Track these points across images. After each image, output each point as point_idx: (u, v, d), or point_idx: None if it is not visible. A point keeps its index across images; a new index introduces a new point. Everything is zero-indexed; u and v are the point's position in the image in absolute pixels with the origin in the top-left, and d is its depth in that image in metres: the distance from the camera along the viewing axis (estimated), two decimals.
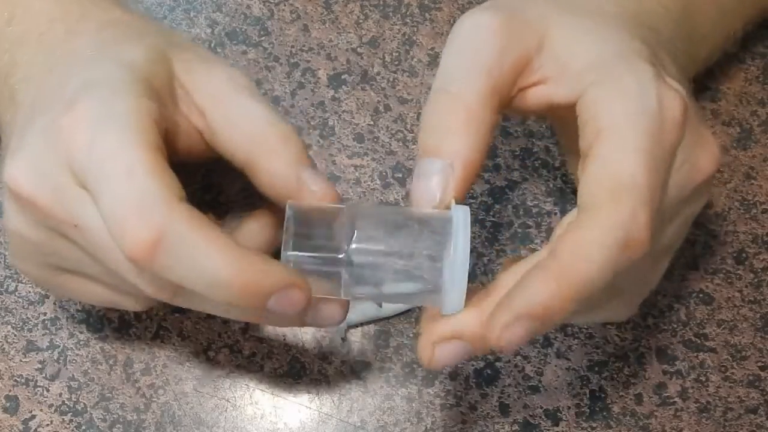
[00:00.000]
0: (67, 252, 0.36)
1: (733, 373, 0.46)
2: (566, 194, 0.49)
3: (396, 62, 0.51)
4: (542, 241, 0.48)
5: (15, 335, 0.45)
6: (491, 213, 0.49)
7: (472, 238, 0.48)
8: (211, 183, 0.48)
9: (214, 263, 0.31)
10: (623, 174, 0.32)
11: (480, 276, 0.47)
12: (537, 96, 0.36)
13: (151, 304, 0.39)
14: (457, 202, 0.33)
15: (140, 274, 0.34)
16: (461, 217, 0.32)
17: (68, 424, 0.44)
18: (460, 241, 0.32)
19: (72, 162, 0.33)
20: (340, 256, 0.33)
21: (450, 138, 0.34)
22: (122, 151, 0.32)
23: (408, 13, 0.53)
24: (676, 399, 0.46)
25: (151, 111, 0.34)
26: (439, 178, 0.33)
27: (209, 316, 0.46)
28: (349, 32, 0.52)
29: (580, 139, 0.34)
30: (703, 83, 0.51)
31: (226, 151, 0.37)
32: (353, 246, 0.33)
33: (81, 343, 0.45)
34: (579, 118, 0.34)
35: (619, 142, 0.33)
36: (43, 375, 0.45)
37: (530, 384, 0.45)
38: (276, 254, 0.34)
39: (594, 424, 0.45)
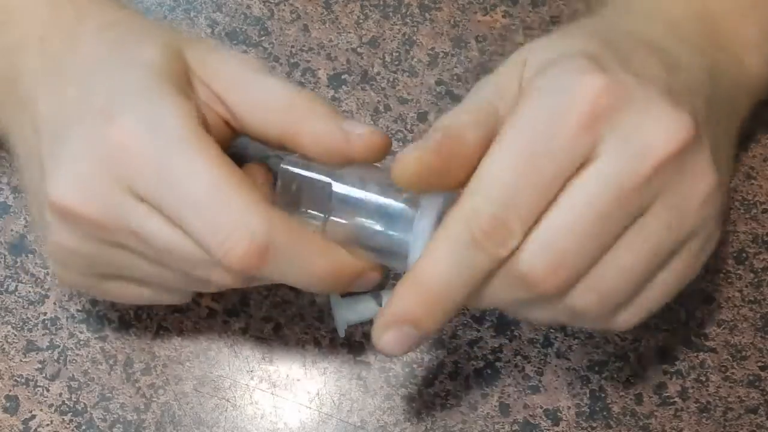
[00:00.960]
0: (119, 259, 0.36)
1: (733, 373, 0.46)
2: None
3: (396, 62, 0.51)
4: None
5: (15, 335, 0.45)
6: None
7: None
8: None
9: (314, 263, 0.34)
10: (481, 171, 0.32)
11: None
12: None
13: (192, 296, 0.41)
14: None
15: (226, 275, 0.34)
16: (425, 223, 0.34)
17: (68, 424, 0.44)
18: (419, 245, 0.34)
19: (135, 180, 0.33)
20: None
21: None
22: (196, 167, 0.32)
23: (408, 13, 0.53)
24: (676, 399, 0.46)
25: (193, 111, 0.34)
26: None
27: (209, 316, 0.46)
28: (349, 32, 0.52)
29: None
30: None
31: (257, 131, 0.37)
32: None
33: (81, 343, 0.45)
34: None
35: (498, 141, 0.32)
36: (43, 375, 0.45)
37: (530, 384, 0.46)
38: None
39: (594, 424, 0.45)
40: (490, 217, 0.31)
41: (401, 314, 0.33)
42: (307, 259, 0.34)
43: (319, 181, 0.36)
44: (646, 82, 0.32)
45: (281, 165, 0.37)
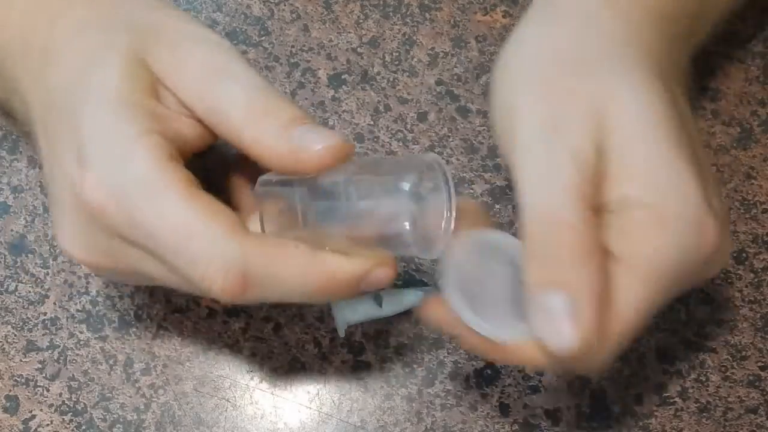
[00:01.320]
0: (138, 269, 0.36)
1: (733, 373, 0.46)
2: None
3: (396, 62, 0.51)
4: None
5: (15, 335, 0.45)
6: (491, 213, 0.49)
7: None
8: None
9: (300, 278, 0.33)
10: (620, 303, 0.33)
11: None
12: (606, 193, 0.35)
13: None
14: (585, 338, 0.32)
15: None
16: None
17: (68, 424, 0.44)
18: None
19: (117, 229, 0.33)
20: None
21: (563, 270, 0.32)
22: (167, 207, 0.33)
23: (408, 13, 0.52)
24: (676, 399, 0.46)
25: (162, 145, 0.34)
26: (565, 315, 0.32)
27: (209, 316, 0.46)
28: (349, 32, 0.52)
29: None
30: (703, 83, 0.51)
31: (225, 140, 0.37)
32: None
33: (81, 343, 0.45)
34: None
35: (636, 274, 0.33)
36: (43, 375, 0.45)
37: (530, 384, 0.46)
38: None
39: (594, 424, 0.45)
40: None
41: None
42: (292, 275, 0.33)
43: (292, 191, 0.35)
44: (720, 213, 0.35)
45: (256, 189, 0.36)
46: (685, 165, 0.34)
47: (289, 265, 0.33)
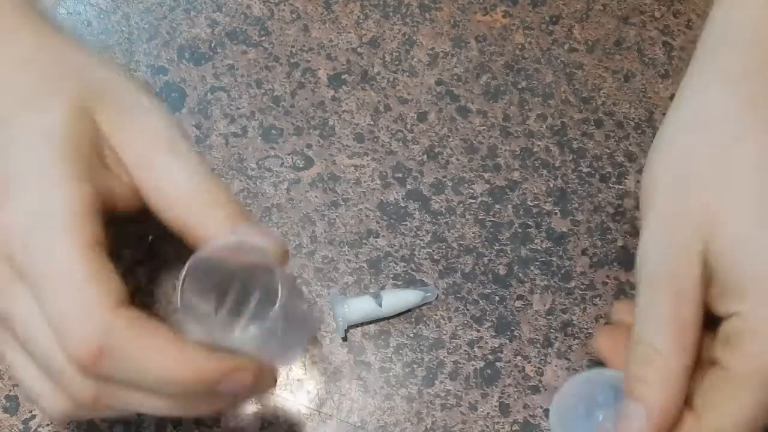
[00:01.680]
0: None
1: None
2: (566, 194, 0.49)
3: (396, 62, 0.51)
4: (542, 241, 0.48)
5: None
6: (491, 213, 0.49)
7: (473, 238, 0.48)
8: None
9: (157, 364, 0.33)
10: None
11: (479, 276, 0.47)
12: (720, 309, 0.36)
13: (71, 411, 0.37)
14: None
15: (76, 376, 0.34)
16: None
17: (68, 424, 0.44)
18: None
19: (11, 258, 0.33)
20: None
21: (648, 389, 0.36)
22: (59, 255, 0.33)
23: (408, 13, 0.52)
24: None
25: (85, 195, 0.34)
26: (638, 423, 0.36)
27: None
28: (349, 32, 0.52)
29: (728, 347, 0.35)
30: None
31: (160, 216, 0.38)
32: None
33: None
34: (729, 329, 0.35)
35: (734, 402, 0.34)
36: None
37: (530, 384, 0.46)
38: None
39: None
40: None
41: None
42: (150, 361, 0.33)
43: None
44: None
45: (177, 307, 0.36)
46: None
47: (150, 349, 0.33)
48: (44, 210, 0.33)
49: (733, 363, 0.34)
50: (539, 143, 0.50)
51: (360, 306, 0.45)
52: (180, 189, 0.37)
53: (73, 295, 0.33)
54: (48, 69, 0.37)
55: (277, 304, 0.35)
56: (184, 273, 0.35)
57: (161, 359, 0.33)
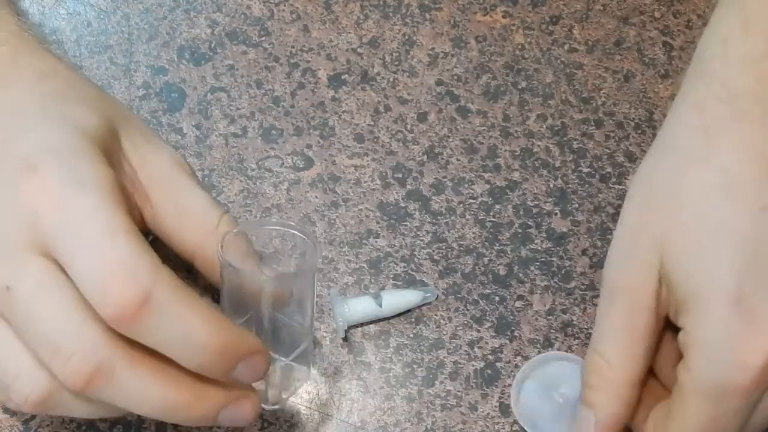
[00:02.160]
0: None
1: None
2: (566, 194, 0.49)
3: (396, 62, 0.51)
4: (542, 241, 0.48)
5: None
6: (491, 213, 0.49)
7: (473, 238, 0.48)
8: (212, 184, 0.48)
9: (195, 326, 0.33)
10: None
11: (480, 276, 0.47)
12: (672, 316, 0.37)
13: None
14: None
15: (92, 337, 0.33)
16: None
17: (68, 424, 0.44)
18: None
19: (38, 225, 0.33)
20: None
21: (597, 397, 0.37)
22: (101, 212, 0.32)
23: (408, 13, 0.52)
24: None
25: (114, 179, 0.34)
26: (587, 428, 0.38)
27: None
28: (349, 32, 0.52)
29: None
30: None
31: (172, 239, 0.38)
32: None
33: None
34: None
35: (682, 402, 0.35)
36: None
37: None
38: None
39: None
40: None
41: None
42: (189, 320, 0.32)
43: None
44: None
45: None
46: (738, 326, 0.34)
47: (192, 308, 0.33)
48: (76, 178, 0.33)
49: (681, 378, 0.35)
50: (539, 143, 0.50)
51: (360, 306, 0.45)
52: (205, 216, 0.39)
53: (115, 245, 0.32)
54: (70, 81, 0.38)
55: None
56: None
57: (199, 321, 0.33)
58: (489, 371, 0.46)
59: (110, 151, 0.36)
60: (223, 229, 0.39)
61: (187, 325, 0.32)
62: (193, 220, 0.39)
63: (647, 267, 0.36)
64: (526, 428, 0.44)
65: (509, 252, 0.48)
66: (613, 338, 0.37)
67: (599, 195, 0.49)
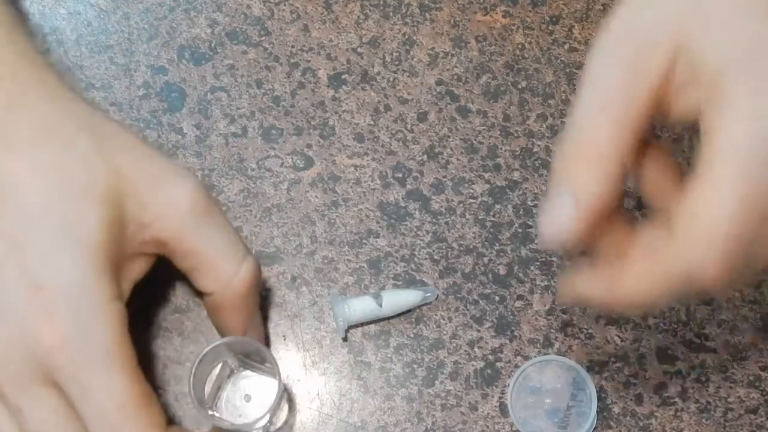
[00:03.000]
0: None
1: (733, 374, 0.46)
2: None
3: (396, 62, 0.51)
4: None
5: None
6: (491, 213, 0.49)
7: (473, 238, 0.48)
8: (212, 183, 0.48)
9: None
10: (708, 222, 0.30)
11: (480, 276, 0.47)
12: (680, 105, 0.32)
13: None
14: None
15: None
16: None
17: None
18: None
19: (48, 360, 0.34)
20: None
21: (578, 171, 0.32)
22: (114, 383, 0.34)
23: (408, 13, 0.52)
24: (677, 399, 0.46)
25: (122, 316, 0.36)
26: (565, 209, 0.32)
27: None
28: (349, 32, 0.52)
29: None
30: None
31: (192, 282, 0.40)
32: None
33: None
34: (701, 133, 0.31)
35: (713, 184, 0.30)
36: None
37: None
38: None
39: (594, 424, 0.45)
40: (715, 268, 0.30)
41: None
42: None
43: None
44: None
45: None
46: None
47: None
48: (89, 330, 0.34)
49: (713, 147, 0.30)
50: (539, 143, 0.50)
51: (360, 306, 0.45)
52: (214, 260, 0.39)
53: (128, 418, 0.34)
54: (71, 147, 0.37)
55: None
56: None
57: None
58: (489, 371, 0.46)
59: (115, 243, 0.36)
60: (243, 276, 0.39)
61: None
62: (211, 272, 0.39)
63: (660, 41, 0.32)
64: (521, 430, 0.44)
65: (509, 252, 0.48)
66: (608, 101, 0.32)
67: None
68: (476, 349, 0.46)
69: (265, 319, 0.46)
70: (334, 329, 0.46)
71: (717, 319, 0.47)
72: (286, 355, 0.46)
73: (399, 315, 0.46)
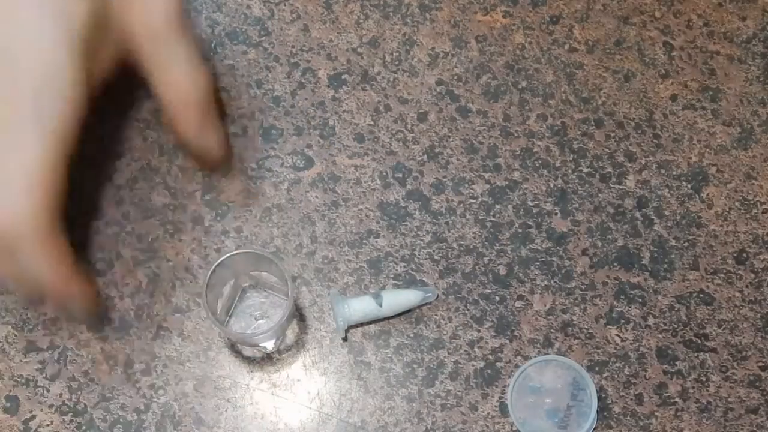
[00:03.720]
0: None
1: (733, 373, 0.46)
2: (566, 194, 0.49)
3: (396, 62, 0.51)
4: (542, 241, 0.48)
5: (15, 335, 0.45)
6: (491, 213, 0.49)
7: (473, 238, 0.48)
8: (212, 183, 0.48)
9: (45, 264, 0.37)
10: None
11: (480, 276, 0.47)
12: None
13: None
14: None
15: None
16: None
17: (68, 424, 0.44)
18: None
19: None
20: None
21: None
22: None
23: (408, 13, 0.52)
24: (677, 399, 0.46)
25: (78, 99, 0.37)
26: None
27: None
28: (349, 32, 0.52)
29: None
30: (703, 83, 0.51)
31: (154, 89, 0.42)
32: None
33: (81, 343, 0.45)
34: None
35: None
36: (44, 375, 0.45)
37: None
38: None
39: (594, 424, 0.45)
40: None
41: None
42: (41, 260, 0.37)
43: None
44: None
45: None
46: None
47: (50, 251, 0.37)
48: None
49: None
50: (539, 143, 0.50)
51: (360, 306, 0.45)
52: (181, 76, 0.41)
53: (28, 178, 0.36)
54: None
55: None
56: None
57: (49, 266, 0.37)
58: (489, 371, 0.46)
59: (99, 27, 0.38)
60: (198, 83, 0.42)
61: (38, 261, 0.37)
62: (174, 85, 0.41)
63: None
64: (521, 430, 0.44)
65: (509, 252, 0.48)
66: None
67: (599, 195, 0.49)
68: (476, 349, 0.46)
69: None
70: (334, 329, 0.46)
71: (717, 319, 0.47)
72: (286, 355, 0.46)
73: (399, 315, 0.46)
